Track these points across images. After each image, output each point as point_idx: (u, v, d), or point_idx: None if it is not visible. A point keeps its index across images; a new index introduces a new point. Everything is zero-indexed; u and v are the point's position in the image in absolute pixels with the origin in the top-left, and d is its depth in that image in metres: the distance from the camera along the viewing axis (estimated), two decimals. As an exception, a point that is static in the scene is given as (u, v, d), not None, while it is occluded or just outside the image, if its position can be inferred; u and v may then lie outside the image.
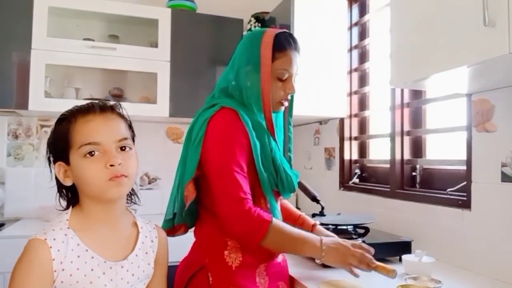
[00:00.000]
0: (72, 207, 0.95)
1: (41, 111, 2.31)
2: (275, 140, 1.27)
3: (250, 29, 2.61)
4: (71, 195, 0.96)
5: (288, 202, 1.52)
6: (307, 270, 1.43)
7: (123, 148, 0.91)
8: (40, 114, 2.51)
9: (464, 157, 1.54)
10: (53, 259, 0.84)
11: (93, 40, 2.48)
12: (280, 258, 1.32)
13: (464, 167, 1.54)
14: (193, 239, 1.31)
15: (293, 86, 1.26)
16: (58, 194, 0.96)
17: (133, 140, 0.98)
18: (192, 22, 2.59)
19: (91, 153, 0.87)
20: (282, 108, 1.30)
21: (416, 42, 1.30)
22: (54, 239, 0.86)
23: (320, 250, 1.17)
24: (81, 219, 0.92)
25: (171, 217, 1.25)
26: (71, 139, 0.88)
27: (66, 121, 0.90)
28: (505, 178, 1.36)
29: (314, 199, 1.71)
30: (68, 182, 0.92)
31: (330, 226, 1.55)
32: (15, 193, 2.45)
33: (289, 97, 1.29)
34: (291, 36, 1.28)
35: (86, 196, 0.92)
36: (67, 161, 0.90)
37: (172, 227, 1.27)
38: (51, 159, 0.94)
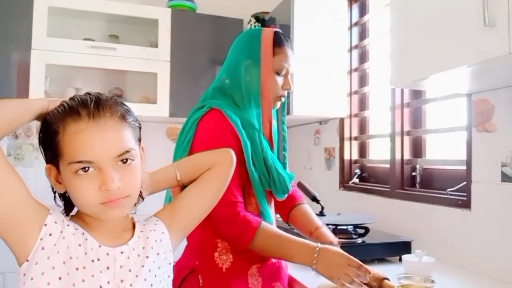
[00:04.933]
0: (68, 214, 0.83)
1: (41, 111, 2.31)
2: (271, 137, 1.26)
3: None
4: (68, 201, 0.82)
5: (310, 209, 1.41)
6: (306, 270, 1.43)
7: (125, 160, 0.76)
8: (40, 114, 2.51)
9: (464, 157, 1.54)
10: (45, 224, 0.73)
11: (93, 40, 2.48)
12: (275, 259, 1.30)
13: (464, 167, 1.54)
14: (185, 244, 1.29)
15: (289, 82, 1.28)
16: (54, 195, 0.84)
17: (139, 140, 0.85)
18: (192, 22, 2.59)
19: (84, 169, 0.72)
20: (279, 104, 1.31)
21: (416, 42, 1.30)
22: (56, 214, 0.77)
23: (311, 258, 1.09)
24: (80, 223, 0.79)
25: None
26: (60, 151, 0.74)
27: (54, 128, 0.75)
28: (505, 178, 1.36)
29: (314, 199, 1.71)
30: (60, 189, 0.79)
31: (330, 226, 1.55)
32: (15, 193, 2.44)
33: (285, 94, 1.30)
34: (286, 35, 1.31)
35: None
36: (58, 169, 0.77)
37: None
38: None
